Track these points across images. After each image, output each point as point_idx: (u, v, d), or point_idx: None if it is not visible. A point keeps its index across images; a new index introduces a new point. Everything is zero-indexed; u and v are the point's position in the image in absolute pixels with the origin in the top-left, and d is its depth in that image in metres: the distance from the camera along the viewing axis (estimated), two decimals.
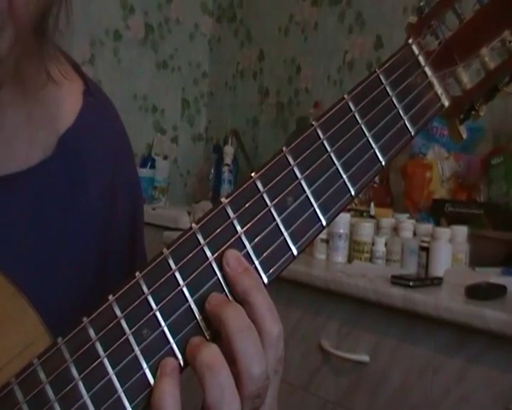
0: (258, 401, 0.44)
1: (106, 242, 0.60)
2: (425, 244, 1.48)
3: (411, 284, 1.32)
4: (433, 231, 1.48)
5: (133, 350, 0.44)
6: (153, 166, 2.75)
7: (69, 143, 0.58)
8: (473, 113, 0.52)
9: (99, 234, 0.59)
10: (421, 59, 0.51)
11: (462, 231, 1.49)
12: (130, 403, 0.43)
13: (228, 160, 2.58)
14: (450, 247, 1.45)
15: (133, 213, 0.64)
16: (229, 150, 2.61)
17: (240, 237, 0.46)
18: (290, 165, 0.48)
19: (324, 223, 0.48)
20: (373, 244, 1.57)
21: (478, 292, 1.25)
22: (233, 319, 0.43)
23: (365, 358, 1.40)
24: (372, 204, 1.84)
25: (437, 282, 1.38)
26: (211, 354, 0.43)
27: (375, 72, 0.50)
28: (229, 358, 0.43)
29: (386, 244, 1.57)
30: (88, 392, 0.43)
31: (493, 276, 1.37)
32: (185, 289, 0.45)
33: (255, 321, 0.44)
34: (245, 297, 0.44)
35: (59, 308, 0.52)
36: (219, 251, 0.46)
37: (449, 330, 1.24)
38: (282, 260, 0.47)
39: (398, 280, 1.35)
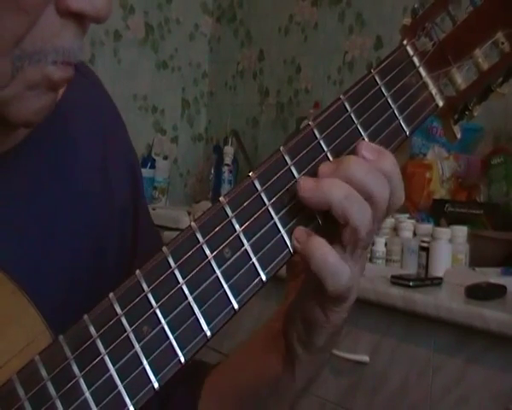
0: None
1: (103, 213, 0.60)
2: (425, 244, 1.48)
3: (411, 284, 1.32)
4: (433, 231, 1.48)
5: (133, 347, 0.44)
6: (153, 166, 2.75)
7: (57, 118, 0.58)
8: (467, 113, 0.52)
9: (95, 205, 0.59)
10: (415, 60, 0.52)
11: (462, 231, 1.49)
12: (130, 399, 0.44)
13: (228, 160, 2.58)
14: (450, 247, 1.46)
15: (132, 181, 0.64)
16: (229, 150, 2.61)
17: (238, 236, 0.47)
18: (287, 164, 0.48)
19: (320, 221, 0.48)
20: (373, 244, 1.57)
21: (478, 292, 1.25)
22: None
23: (365, 358, 1.40)
24: None
25: (437, 282, 1.38)
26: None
27: (371, 72, 0.51)
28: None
29: (386, 244, 1.57)
30: (89, 388, 0.43)
31: (493, 276, 1.37)
32: (184, 287, 0.45)
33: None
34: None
35: (56, 288, 0.53)
36: (218, 249, 0.46)
37: (449, 330, 1.24)
38: (279, 258, 0.47)
39: (397, 280, 1.35)
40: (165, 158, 2.86)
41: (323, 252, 0.46)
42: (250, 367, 0.58)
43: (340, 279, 0.46)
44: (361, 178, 0.46)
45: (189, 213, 2.15)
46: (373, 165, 0.47)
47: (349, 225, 0.46)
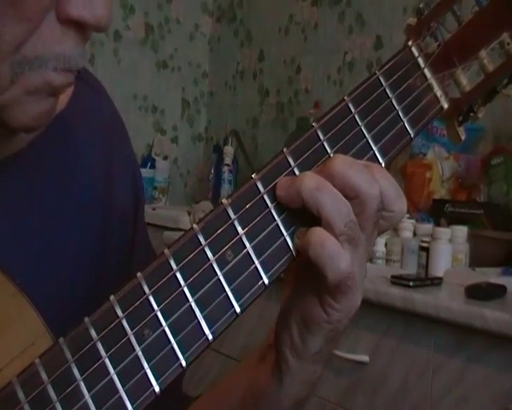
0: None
1: (104, 216, 0.60)
2: (425, 244, 1.48)
3: (411, 284, 1.32)
4: (433, 231, 1.48)
5: (134, 350, 0.44)
6: (153, 166, 2.75)
7: (61, 125, 0.58)
8: (471, 114, 0.52)
9: (97, 210, 0.60)
10: (420, 61, 0.51)
11: (462, 231, 1.49)
12: (131, 403, 0.43)
13: (228, 160, 2.58)
14: (450, 247, 1.45)
15: (134, 186, 0.64)
16: (229, 150, 2.61)
17: (241, 238, 0.46)
18: (291, 166, 0.48)
19: None
20: (373, 244, 1.57)
21: (478, 292, 1.25)
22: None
23: (365, 358, 1.40)
24: None
25: (437, 282, 1.38)
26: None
27: (375, 73, 0.51)
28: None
29: (386, 244, 1.57)
30: (89, 392, 0.43)
31: (493, 276, 1.37)
32: (186, 290, 0.45)
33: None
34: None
35: (57, 291, 0.53)
36: (220, 252, 0.46)
37: (449, 330, 1.24)
38: (282, 261, 0.47)
39: (397, 280, 1.35)
40: (165, 158, 2.86)
41: (321, 235, 0.45)
42: (237, 384, 0.56)
43: (338, 263, 0.45)
44: (344, 172, 0.45)
45: (189, 213, 2.15)
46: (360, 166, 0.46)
47: (323, 217, 0.45)
